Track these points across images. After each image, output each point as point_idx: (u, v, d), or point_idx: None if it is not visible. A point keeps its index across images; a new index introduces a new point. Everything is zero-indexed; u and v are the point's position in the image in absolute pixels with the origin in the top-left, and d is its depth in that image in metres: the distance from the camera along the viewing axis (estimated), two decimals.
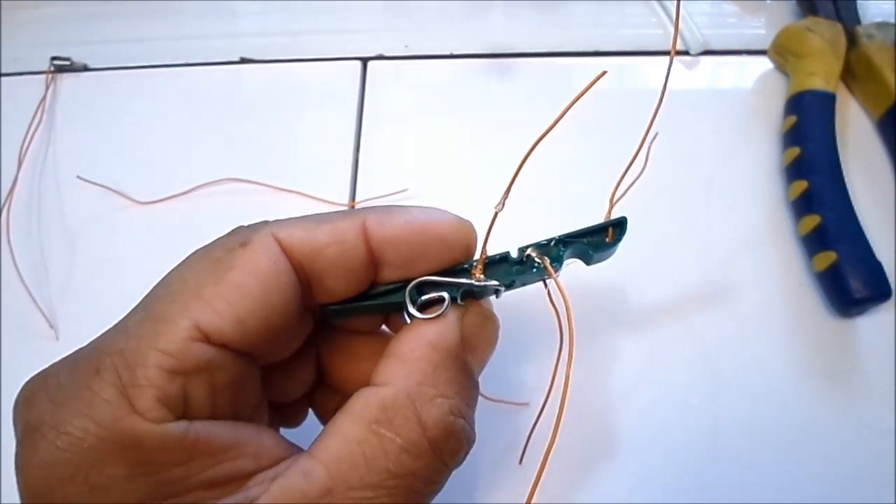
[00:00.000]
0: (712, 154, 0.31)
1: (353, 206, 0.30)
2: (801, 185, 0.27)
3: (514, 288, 0.19)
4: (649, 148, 0.22)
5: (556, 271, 0.19)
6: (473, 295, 0.19)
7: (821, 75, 0.30)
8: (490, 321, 0.19)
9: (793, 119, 0.29)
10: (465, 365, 0.18)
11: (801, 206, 0.27)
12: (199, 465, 0.15)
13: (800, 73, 0.31)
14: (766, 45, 0.33)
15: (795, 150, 0.28)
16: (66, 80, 0.35)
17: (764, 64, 0.33)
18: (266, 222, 0.17)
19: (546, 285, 0.21)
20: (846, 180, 0.28)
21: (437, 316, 0.18)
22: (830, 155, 0.28)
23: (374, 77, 0.34)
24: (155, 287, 0.16)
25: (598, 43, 0.35)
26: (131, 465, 0.14)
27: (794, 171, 0.28)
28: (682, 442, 0.24)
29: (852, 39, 0.31)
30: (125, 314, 0.16)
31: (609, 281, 0.28)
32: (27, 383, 0.15)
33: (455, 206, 0.30)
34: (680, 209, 0.29)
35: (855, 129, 0.31)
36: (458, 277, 0.18)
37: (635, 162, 0.23)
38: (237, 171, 0.31)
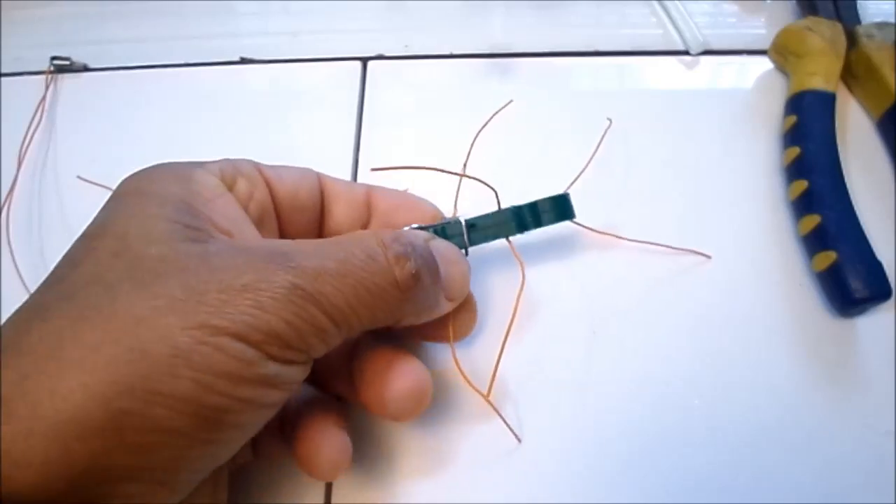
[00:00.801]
0: (712, 154, 0.31)
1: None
2: (801, 185, 0.27)
3: (481, 237, 0.24)
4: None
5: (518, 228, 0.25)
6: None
7: (821, 75, 0.30)
8: (460, 255, 0.23)
9: (793, 119, 0.29)
10: (428, 248, 0.21)
11: (801, 205, 0.27)
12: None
13: (800, 73, 0.31)
14: (766, 45, 0.33)
15: (795, 150, 0.28)
16: (66, 80, 0.35)
17: (764, 64, 0.33)
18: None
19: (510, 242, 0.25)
20: (846, 180, 0.28)
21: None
22: (830, 155, 0.28)
23: (374, 77, 0.34)
24: None
25: (598, 43, 0.35)
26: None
27: (794, 170, 0.28)
28: (682, 442, 0.24)
29: (852, 39, 0.31)
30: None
31: (609, 281, 0.28)
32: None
33: (455, 205, 0.30)
34: (679, 209, 0.29)
35: (855, 129, 0.31)
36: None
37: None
38: None
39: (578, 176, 0.27)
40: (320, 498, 0.24)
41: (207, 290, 0.16)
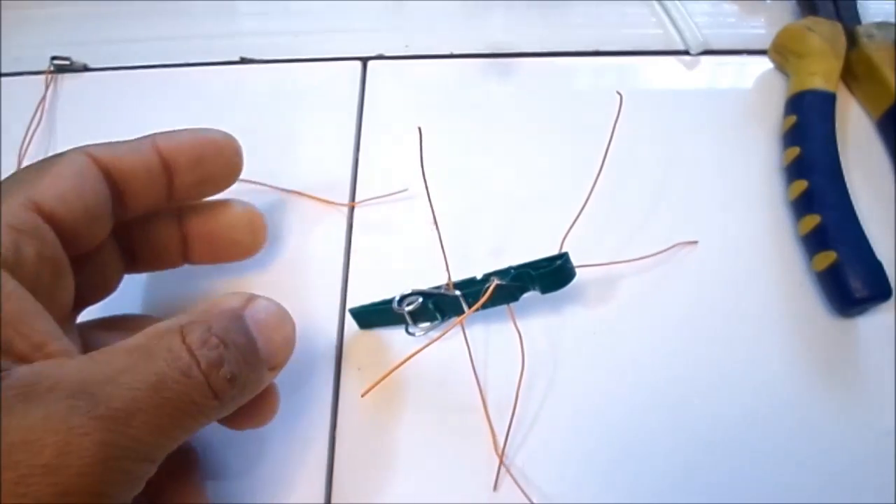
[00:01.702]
0: (712, 154, 0.31)
1: (353, 206, 0.30)
2: (801, 185, 0.27)
3: (472, 304, 0.24)
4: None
5: (510, 296, 0.24)
6: (444, 305, 0.25)
7: (821, 75, 0.30)
8: (280, 316, 0.20)
9: (793, 119, 0.29)
10: (245, 329, 0.19)
11: (801, 205, 0.27)
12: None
13: (800, 72, 0.31)
14: (766, 45, 0.33)
15: (795, 150, 0.28)
16: (66, 80, 0.35)
17: (764, 64, 0.33)
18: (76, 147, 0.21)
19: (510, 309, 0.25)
20: (846, 180, 0.28)
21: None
22: (830, 155, 0.28)
23: (374, 77, 0.34)
24: None
25: (598, 43, 0.35)
26: None
27: (794, 170, 0.28)
28: (681, 442, 0.24)
29: (852, 39, 0.31)
30: None
31: (608, 280, 0.28)
32: None
33: (456, 205, 0.30)
34: (679, 209, 0.29)
35: (855, 129, 0.31)
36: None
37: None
38: None
39: (585, 203, 0.26)
40: (320, 498, 0.24)
41: (5, 482, 0.13)
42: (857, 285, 0.25)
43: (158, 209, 0.24)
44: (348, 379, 0.26)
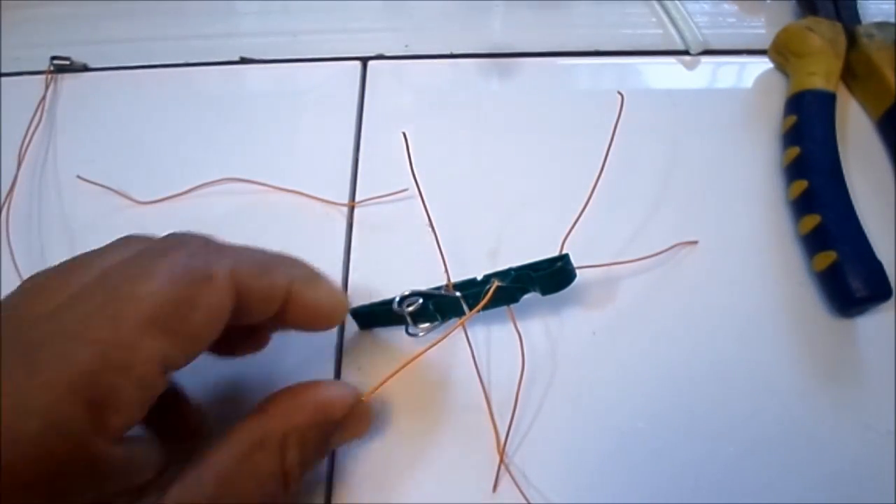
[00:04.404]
0: (712, 154, 0.31)
1: (353, 206, 0.30)
2: (801, 185, 0.27)
3: (474, 306, 0.24)
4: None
5: (510, 298, 0.24)
6: (444, 306, 0.25)
7: (821, 75, 0.30)
8: (367, 421, 0.23)
9: (793, 119, 0.29)
10: (329, 437, 0.21)
11: (801, 205, 0.27)
12: (113, 482, 0.16)
13: (800, 72, 0.31)
14: (766, 45, 0.33)
15: (795, 150, 0.28)
16: (66, 80, 0.35)
17: (764, 64, 0.33)
18: (225, 250, 0.19)
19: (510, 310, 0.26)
20: (846, 180, 0.28)
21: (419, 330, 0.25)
22: (830, 155, 0.28)
23: (374, 77, 0.34)
24: (111, 289, 0.17)
25: (598, 43, 0.35)
26: (83, 479, 0.15)
27: (794, 170, 0.28)
28: (681, 442, 0.24)
29: (852, 39, 0.31)
30: (77, 289, 0.17)
31: (608, 281, 0.28)
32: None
33: (455, 205, 0.30)
34: (679, 209, 0.29)
35: (855, 129, 0.31)
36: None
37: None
38: (237, 170, 0.31)
39: (585, 207, 0.26)
40: (320, 498, 0.24)
41: None
42: (857, 285, 0.25)
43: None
44: (348, 379, 0.26)
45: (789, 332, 0.26)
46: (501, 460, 0.24)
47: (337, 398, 0.21)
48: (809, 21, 0.32)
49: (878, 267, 0.25)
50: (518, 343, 0.25)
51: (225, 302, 0.18)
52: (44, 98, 0.34)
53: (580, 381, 0.26)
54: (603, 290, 0.27)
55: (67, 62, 0.35)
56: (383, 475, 0.24)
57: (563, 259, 0.23)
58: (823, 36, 0.31)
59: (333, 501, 0.24)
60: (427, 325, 0.25)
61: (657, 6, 0.36)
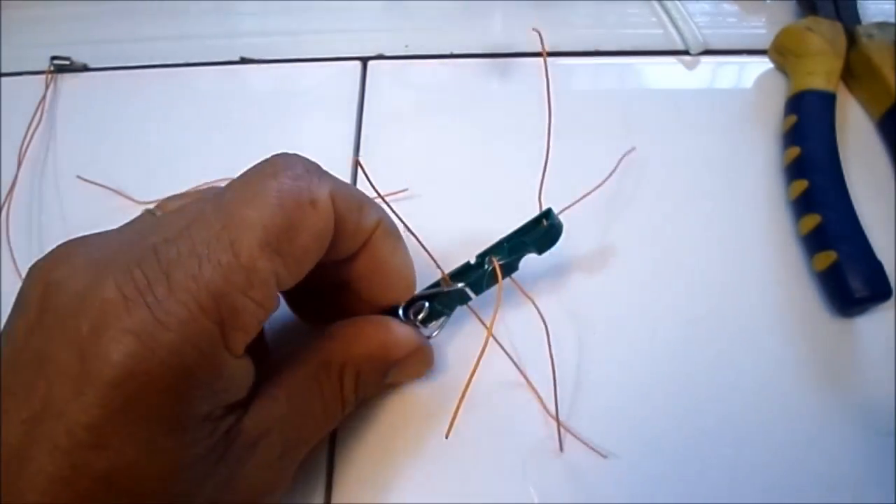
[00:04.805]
0: (712, 154, 0.31)
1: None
2: (802, 185, 0.27)
3: (481, 290, 0.24)
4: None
5: (510, 269, 0.24)
6: (450, 300, 0.24)
7: (821, 75, 0.30)
8: (426, 364, 0.25)
9: (793, 119, 0.29)
10: (386, 372, 0.23)
11: (802, 205, 0.27)
12: (228, 394, 0.18)
13: (800, 72, 0.31)
14: (766, 45, 0.33)
15: (795, 150, 0.28)
16: (66, 80, 0.35)
17: (764, 64, 0.33)
18: (324, 176, 0.20)
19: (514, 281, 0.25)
20: (846, 180, 0.28)
21: (420, 322, 0.24)
22: (831, 155, 0.28)
23: (374, 77, 0.34)
24: (228, 214, 0.17)
25: (598, 43, 0.35)
26: (206, 391, 0.17)
27: (794, 170, 0.28)
28: (681, 441, 0.24)
29: (852, 39, 0.31)
30: (195, 216, 0.18)
31: (607, 280, 0.28)
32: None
33: (456, 205, 0.30)
34: (679, 209, 0.29)
35: (855, 129, 0.31)
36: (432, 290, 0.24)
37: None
38: (237, 171, 0.31)
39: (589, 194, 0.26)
40: (321, 498, 0.24)
41: None
42: (857, 285, 0.25)
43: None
44: None
45: (789, 332, 0.26)
46: (557, 421, 0.24)
47: (402, 340, 0.23)
48: (809, 21, 0.32)
49: (878, 267, 0.25)
50: (533, 308, 0.25)
51: (328, 226, 0.19)
52: (44, 98, 0.34)
53: (577, 380, 0.26)
54: (602, 288, 0.27)
55: (67, 62, 0.35)
56: (384, 475, 0.24)
57: (547, 215, 0.23)
58: (823, 36, 0.31)
59: (333, 501, 0.24)
60: (436, 322, 0.25)
61: (657, 6, 0.36)
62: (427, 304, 0.24)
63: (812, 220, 0.27)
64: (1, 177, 0.32)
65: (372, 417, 0.25)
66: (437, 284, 0.25)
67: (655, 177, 0.30)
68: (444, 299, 0.24)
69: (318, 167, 0.20)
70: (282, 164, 0.19)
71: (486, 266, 0.23)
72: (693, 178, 0.30)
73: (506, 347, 0.26)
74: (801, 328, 0.26)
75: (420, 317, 0.24)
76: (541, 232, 0.23)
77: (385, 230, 0.21)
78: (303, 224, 0.18)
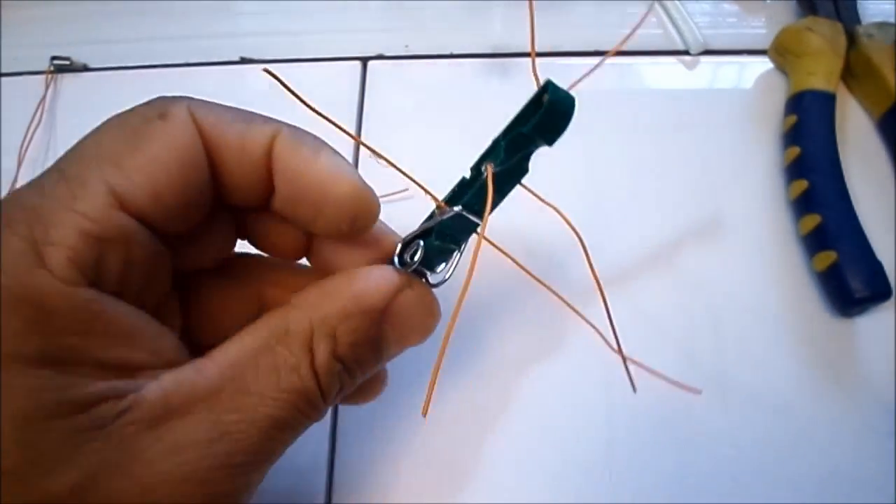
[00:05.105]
0: (712, 154, 0.31)
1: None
2: (802, 185, 0.27)
3: (482, 211, 0.18)
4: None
5: (517, 173, 0.19)
6: (452, 231, 0.19)
7: (821, 75, 0.30)
8: (429, 311, 0.19)
9: (793, 119, 0.29)
10: (374, 328, 0.18)
11: (802, 205, 0.27)
12: (97, 342, 0.15)
13: (800, 72, 0.31)
14: (766, 45, 0.33)
15: (795, 150, 0.28)
16: (66, 80, 0.36)
17: (764, 64, 0.33)
18: (184, 97, 0.17)
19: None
20: (846, 180, 0.28)
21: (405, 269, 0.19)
22: (831, 155, 0.28)
23: (374, 77, 0.34)
24: (69, 151, 0.16)
25: (598, 43, 0.35)
26: (27, 321, 0.14)
27: (794, 170, 0.28)
28: (681, 441, 0.24)
29: (852, 39, 0.31)
30: (38, 175, 0.16)
31: (608, 279, 0.28)
32: None
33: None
34: (679, 209, 0.29)
35: (855, 129, 0.31)
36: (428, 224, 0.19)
37: None
38: None
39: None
40: (321, 498, 0.24)
41: None
42: (857, 285, 0.25)
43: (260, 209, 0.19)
44: None
45: (789, 332, 0.26)
46: (623, 357, 0.23)
47: (378, 285, 0.18)
48: (809, 21, 0.32)
49: (878, 267, 0.25)
50: (555, 214, 0.22)
51: (185, 138, 0.16)
52: (44, 98, 0.34)
53: (577, 379, 0.25)
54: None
55: (67, 62, 0.35)
56: (384, 475, 0.24)
57: (547, 88, 0.18)
58: (823, 36, 0.31)
59: (333, 501, 0.24)
60: (445, 264, 0.20)
61: (657, 6, 0.36)
62: (422, 242, 0.19)
63: (812, 220, 0.27)
64: (1, 177, 0.32)
65: (372, 417, 0.25)
66: (431, 218, 0.20)
67: (655, 176, 0.30)
68: (442, 231, 0.19)
69: (201, 101, 0.18)
70: (155, 99, 0.18)
71: (484, 174, 0.18)
72: (693, 178, 0.30)
73: (534, 272, 0.23)
74: (801, 328, 0.26)
75: (417, 258, 0.19)
76: (542, 114, 0.18)
77: (288, 138, 0.18)
78: (148, 136, 0.16)
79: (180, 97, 0.17)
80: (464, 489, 0.24)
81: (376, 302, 0.18)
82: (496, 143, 0.19)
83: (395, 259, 0.19)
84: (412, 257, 0.19)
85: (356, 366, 0.18)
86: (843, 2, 0.32)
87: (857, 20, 0.32)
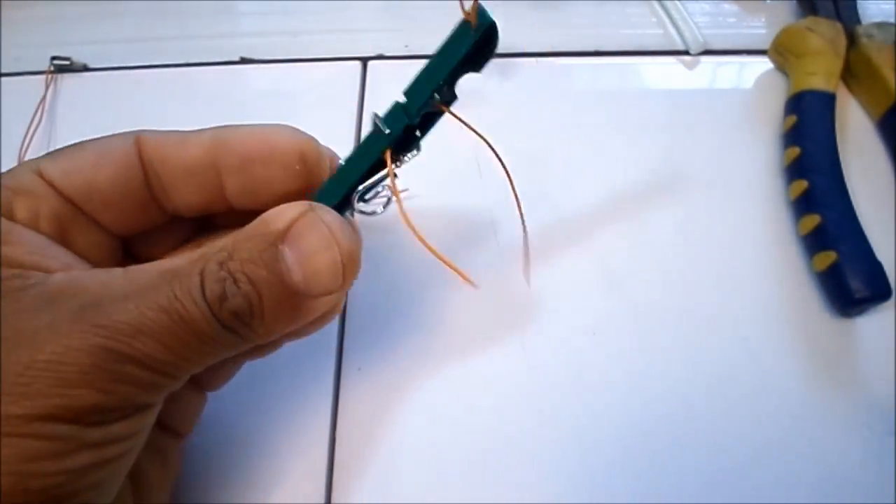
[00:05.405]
0: (712, 154, 0.31)
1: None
2: (802, 185, 0.27)
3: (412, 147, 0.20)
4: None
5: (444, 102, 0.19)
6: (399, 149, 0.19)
7: (821, 75, 0.30)
8: (325, 240, 0.18)
9: (793, 119, 0.29)
10: (271, 249, 0.17)
11: (801, 205, 0.27)
12: (10, 249, 0.17)
13: (800, 73, 0.31)
14: (766, 45, 0.33)
15: (795, 150, 0.28)
16: (66, 80, 0.35)
17: (764, 64, 0.33)
18: (25, 163, 0.19)
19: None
20: (846, 180, 0.28)
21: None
22: (830, 155, 0.28)
23: (374, 77, 0.34)
24: None
25: (598, 43, 0.35)
26: None
27: (794, 170, 0.28)
28: (681, 441, 0.24)
29: (852, 39, 0.31)
30: None
31: (608, 279, 0.28)
32: None
33: (455, 205, 0.30)
34: (680, 209, 0.29)
35: (855, 129, 0.31)
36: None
37: None
38: None
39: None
40: (321, 498, 0.24)
41: (6, 373, 0.14)
42: (857, 285, 0.25)
43: (217, 209, 0.21)
44: (348, 379, 0.26)
45: (789, 332, 0.26)
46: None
47: (278, 210, 0.18)
48: (809, 21, 0.32)
49: (878, 267, 0.25)
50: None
51: (117, 142, 0.19)
52: (44, 98, 0.34)
53: (577, 379, 0.26)
54: (603, 286, 0.27)
55: (67, 62, 0.35)
56: (384, 475, 0.24)
57: (479, 13, 0.18)
58: (823, 36, 0.31)
59: (333, 501, 0.24)
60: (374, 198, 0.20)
61: (657, 6, 0.36)
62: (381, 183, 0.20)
63: (812, 220, 0.27)
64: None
65: (372, 416, 0.25)
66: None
67: (655, 176, 0.30)
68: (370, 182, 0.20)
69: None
70: None
71: (432, 105, 0.19)
72: (693, 178, 0.30)
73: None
74: (801, 328, 0.26)
75: (368, 197, 0.20)
76: (472, 41, 0.19)
77: (223, 131, 0.20)
78: (84, 144, 0.19)
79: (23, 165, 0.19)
80: (465, 489, 0.24)
81: (275, 224, 0.17)
82: (426, 75, 0.19)
83: (356, 207, 0.20)
84: (363, 197, 0.20)
85: (245, 279, 0.17)
86: (843, 2, 0.32)
87: (857, 20, 0.32)
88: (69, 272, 0.17)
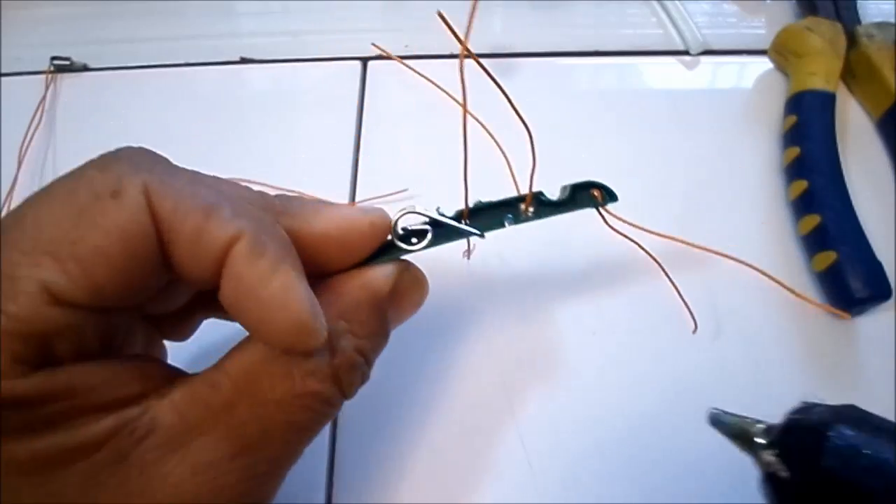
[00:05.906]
0: (712, 154, 0.31)
1: (354, 206, 0.30)
2: (801, 185, 0.27)
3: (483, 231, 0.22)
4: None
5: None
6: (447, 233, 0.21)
7: (821, 75, 0.30)
8: (421, 286, 0.20)
9: (793, 119, 0.29)
10: (383, 314, 0.19)
11: (801, 205, 0.27)
12: (79, 399, 0.14)
13: (800, 72, 0.31)
14: (766, 45, 0.33)
15: (795, 150, 0.28)
16: (66, 80, 0.35)
17: (764, 64, 0.33)
18: (143, 168, 0.16)
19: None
20: (846, 180, 0.28)
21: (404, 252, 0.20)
22: (830, 155, 0.28)
23: (374, 77, 0.34)
24: (9, 218, 0.15)
25: (598, 43, 0.35)
26: (6, 427, 0.14)
27: (794, 170, 0.28)
28: (680, 441, 0.24)
29: (852, 39, 0.31)
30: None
31: (608, 280, 0.28)
32: None
33: (456, 205, 0.30)
34: (680, 209, 0.29)
35: (855, 129, 0.31)
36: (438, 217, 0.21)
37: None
38: (237, 170, 0.31)
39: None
40: (321, 498, 0.24)
41: None
42: (857, 285, 0.25)
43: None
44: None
45: (789, 332, 0.26)
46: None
47: (380, 272, 0.19)
48: (809, 21, 0.32)
49: (878, 267, 0.25)
50: None
51: (136, 225, 0.15)
52: (44, 98, 0.34)
53: (577, 379, 0.25)
54: (603, 285, 0.27)
55: (67, 62, 0.35)
56: (384, 475, 0.24)
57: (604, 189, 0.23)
58: (823, 36, 0.31)
59: (333, 501, 0.24)
60: (420, 240, 0.20)
61: (657, 6, 0.36)
62: (430, 228, 0.21)
63: (812, 221, 0.27)
64: (1, 177, 0.32)
65: (373, 416, 0.25)
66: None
67: (655, 176, 0.30)
68: (448, 232, 0.21)
69: (155, 159, 0.17)
70: (108, 156, 0.16)
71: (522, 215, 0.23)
72: (693, 178, 0.30)
73: None
74: (801, 328, 0.26)
75: (422, 245, 0.20)
76: (573, 206, 0.23)
77: (247, 248, 0.15)
78: (94, 221, 0.14)
79: (139, 167, 0.16)
80: (465, 489, 0.24)
81: (383, 286, 0.19)
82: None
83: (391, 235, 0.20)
84: (410, 238, 0.20)
85: (373, 354, 0.18)
86: (843, 2, 0.32)
87: (857, 20, 0.32)
88: (174, 403, 0.15)
